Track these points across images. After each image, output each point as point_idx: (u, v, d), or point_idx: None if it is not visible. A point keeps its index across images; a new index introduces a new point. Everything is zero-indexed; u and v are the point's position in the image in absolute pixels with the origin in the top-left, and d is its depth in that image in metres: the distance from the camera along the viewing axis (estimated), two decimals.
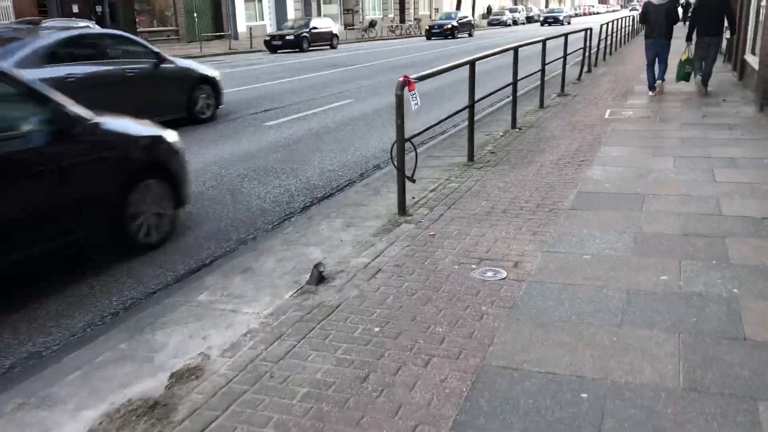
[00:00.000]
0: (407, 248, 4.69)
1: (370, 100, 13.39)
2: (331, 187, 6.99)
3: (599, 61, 18.30)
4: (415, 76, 5.43)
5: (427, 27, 41.77)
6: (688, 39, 11.67)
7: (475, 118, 10.42)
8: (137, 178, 4.98)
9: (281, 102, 13.35)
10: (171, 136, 5.47)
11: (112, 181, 4.76)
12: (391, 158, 5.45)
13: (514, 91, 9.07)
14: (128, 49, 9.96)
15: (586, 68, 15.89)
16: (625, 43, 26.00)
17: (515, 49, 8.81)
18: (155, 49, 10.44)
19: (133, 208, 4.93)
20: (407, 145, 5.38)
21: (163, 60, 10.30)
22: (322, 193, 6.74)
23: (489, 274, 4.20)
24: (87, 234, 4.62)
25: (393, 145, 5.37)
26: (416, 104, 5.31)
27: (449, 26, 40.62)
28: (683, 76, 11.83)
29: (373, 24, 44.95)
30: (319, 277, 4.14)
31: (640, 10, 12.10)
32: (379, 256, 4.57)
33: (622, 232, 4.85)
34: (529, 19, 68.76)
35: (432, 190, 6.20)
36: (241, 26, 38.71)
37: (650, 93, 11.87)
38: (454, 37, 40.17)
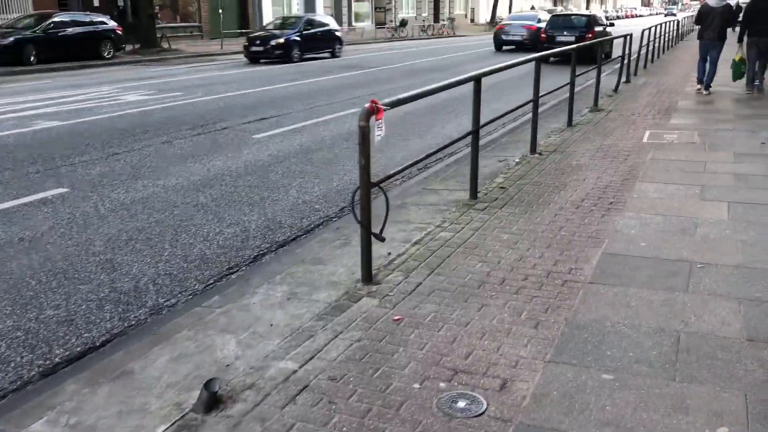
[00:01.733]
0: (357, 345, 3.37)
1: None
2: (299, 227, 5.70)
3: (639, 70, 16.71)
4: (388, 100, 4.11)
5: (246, 42, 23.90)
6: (740, 40, 11.94)
7: (493, 137, 9.08)
8: None
9: (281, 109, 12.10)
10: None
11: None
12: (352, 209, 4.12)
13: (535, 108, 7.68)
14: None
15: (624, 78, 14.35)
16: (668, 49, 24.26)
17: (537, 61, 7.41)
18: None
19: None
20: (375, 191, 4.07)
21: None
22: (284, 237, 5.46)
23: (461, 404, 2.86)
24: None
25: (355, 192, 4.06)
26: (380, 135, 3.98)
27: (274, 44, 22.93)
28: (739, 75, 12.23)
29: (404, 23, 43.58)
30: (210, 402, 2.84)
31: (697, 11, 12.95)
32: (314, 357, 3.26)
33: (659, 331, 3.46)
34: None
35: (416, 242, 4.87)
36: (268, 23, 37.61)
37: (698, 87, 12.74)
38: (290, 61, 23.04)
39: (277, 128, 10.20)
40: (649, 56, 18.75)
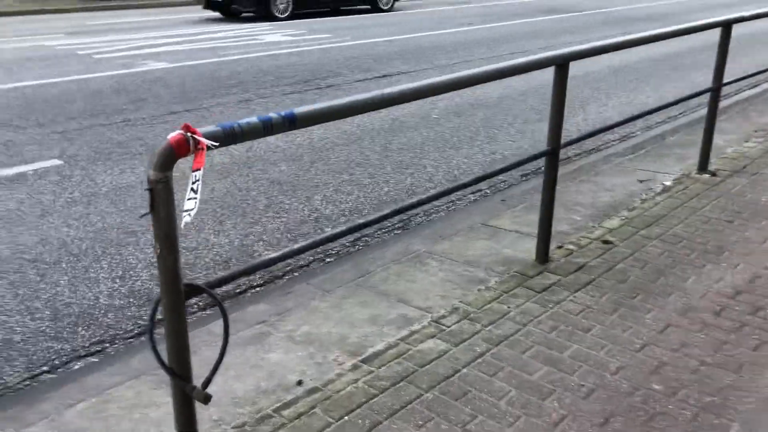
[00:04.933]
0: None
1: (536, 74, 9.29)
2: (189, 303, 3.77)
3: None
4: (233, 124, 1.98)
5: None
6: None
7: (661, 130, 6.25)
8: None
9: (418, 63, 9.98)
10: None
11: None
12: (150, 337, 2.08)
13: (714, 101, 4.88)
14: None
15: None
16: None
17: (725, 26, 4.60)
18: None
19: None
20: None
21: None
22: (141, 329, 3.58)
23: None
24: None
25: (156, 305, 2.03)
26: (189, 213, 1.89)
27: None
28: None
29: None
30: None
31: None
32: None
33: None
34: None
35: (367, 359, 2.75)
36: None
37: None
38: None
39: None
40: None
